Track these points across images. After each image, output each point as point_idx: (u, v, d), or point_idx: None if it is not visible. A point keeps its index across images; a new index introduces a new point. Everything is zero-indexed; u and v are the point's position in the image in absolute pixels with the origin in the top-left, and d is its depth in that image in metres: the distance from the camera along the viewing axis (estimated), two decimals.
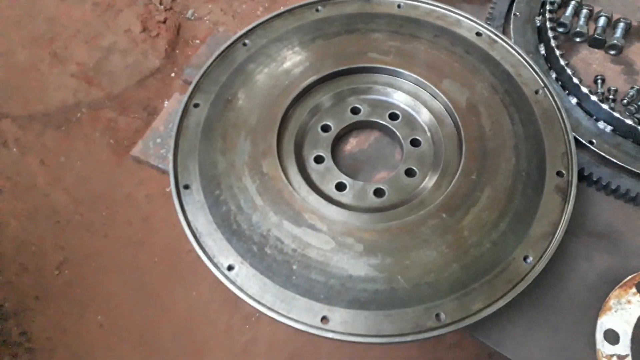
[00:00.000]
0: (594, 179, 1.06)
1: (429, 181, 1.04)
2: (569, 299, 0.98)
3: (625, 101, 1.18)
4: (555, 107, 1.08)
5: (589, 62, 1.26)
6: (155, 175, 2.36)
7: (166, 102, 1.24)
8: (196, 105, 1.11)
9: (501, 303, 0.88)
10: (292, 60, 1.16)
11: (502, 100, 1.09)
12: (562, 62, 1.15)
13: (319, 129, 1.12)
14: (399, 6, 1.23)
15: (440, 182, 1.03)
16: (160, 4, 2.98)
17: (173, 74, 2.77)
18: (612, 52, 1.25)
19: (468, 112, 1.08)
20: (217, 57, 1.16)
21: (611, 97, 1.18)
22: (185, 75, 1.30)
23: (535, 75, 1.12)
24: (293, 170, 1.04)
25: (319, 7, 1.24)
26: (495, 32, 1.18)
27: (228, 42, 1.18)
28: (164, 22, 2.92)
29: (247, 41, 1.19)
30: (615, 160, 1.07)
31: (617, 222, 1.05)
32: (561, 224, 0.95)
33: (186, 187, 1.01)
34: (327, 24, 1.21)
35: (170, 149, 1.06)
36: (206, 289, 2.11)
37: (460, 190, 0.99)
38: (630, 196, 1.05)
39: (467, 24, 1.20)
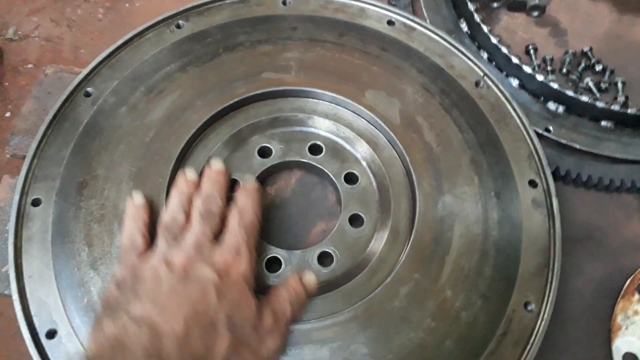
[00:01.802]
0: (561, 173, 0.90)
1: (382, 229, 0.80)
2: (574, 329, 0.81)
3: (564, 70, 1.02)
4: (504, 98, 0.88)
5: (513, 29, 1.09)
6: None
7: None
8: (36, 203, 0.76)
9: None
10: (160, 104, 0.84)
11: (441, 104, 0.87)
12: (493, 38, 0.95)
13: None
14: (284, 3, 0.95)
15: (397, 228, 0.79)
16: None
17: (8, 114, 2.24)
18: (535, 13, 1.08)
19: (405, 128, 0.85)
20: (51, 122, 0.81)
21: (549, 68, 1.02)
22: (13, 148, 0.92)
23: (470, 62, 0.91)
24: None
25: (180, 23, 0.92)
26: (409, 16, 0.94)
27: (64, 96, 0.83)
28: None
29: (90, 89, 0.84)
30: (578, 146, 0.91)
31: (595, 218, 0.90)
32: (553, 249, 0.76)
33: (51, 335, 0.68)
34: (196, 43, 0.90)
35: (12, 283, 0.71)
36: None
37: (425, 235, 0.76)
38: (604, 184, 0.89)
39: (374, 12, 0.95)
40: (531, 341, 0.71)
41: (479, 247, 0.76)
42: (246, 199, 0.74)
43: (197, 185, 0.75)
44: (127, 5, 2.34)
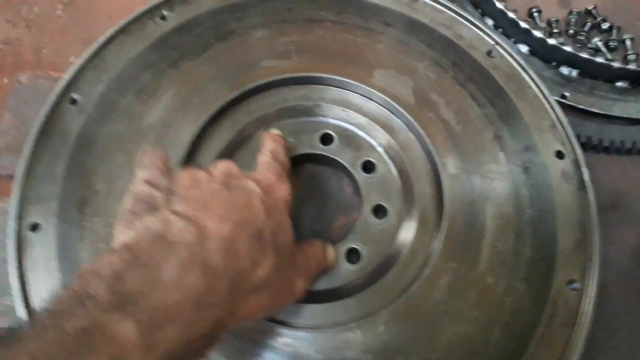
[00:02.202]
0: (582, 140, 0.86)
1: (409, 218, 0.75)
2: (613, 301, 0.79)
3: (571, 31, 0.98)
4: (519, 66, 0.83)
5: None
6: None
7: None
8: (35, 227, 0.69)
9: (572, 359, 0.65)
10: (155, 105, 0.77)
11: (455, 79, 0.82)
12: (500, 5, 0.90)
13: None
14: None
15: (424, 215, 0.75)
16: None
17: None
18: None
19: (421, 107, 0.80)
20: (38, 135, 0.73)
21: (555, 30, 0.97)
22: None
23: (479, 31, 0.85)
24: None
25: (164, 13, 0.84)
26: None
27: (47, 106, 0.75)
28: None
29: (75, 96, 0.77)
30: (596, 110, 0.88)
31: (621, 184, 0.87)
32: (590, 221, 0.73)
33: None
34: (185, 35, 0.82)
35: (16, 298, 0.65)
36: None
37: (456, 220, 0.72)
38: (626, 148, 0.86)
39: None
40: (580, 321, 0.67)
41: (513, 228, 0.72)
42: (275, 143, 0.71)
43: None
44: (109, 29, 2.21)
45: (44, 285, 0.66)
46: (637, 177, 0.87)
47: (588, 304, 0.68)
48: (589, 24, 0.99)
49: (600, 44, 0.96)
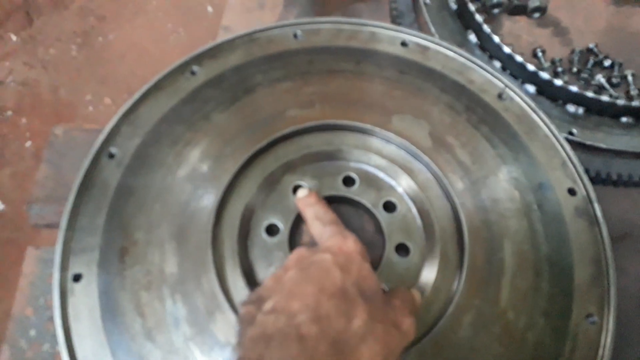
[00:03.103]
0: (591, 174, 0.91)
1: (431, 256, 0.79)
2: (629, 331, 0.82)
3: (574, 69, 1.03)
4: (529, 108, 0.88)
5: (517, 33, 1.09)
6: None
7: (22, 269, 0.83)
8: (77, 278, 0.73)
9: None
10: (189, 157, 0.81)
11: (468, 121, 0.87)
12: (507, 49, 0.95)
13: (265, 236, 0.80)
14: (295, 36, 0.93)
15: (446, 253, 0.79)
16: None
17: None
18: (536, 15, 1.09)
19: (438, 149, 0.84)
20: (80, 188, 0.78)
21: (559, 69, 1.03)
22: (34, 217, 0.88)
23: (489, 75, 0.91)
24: None
25: (194, 68, 0.89)
26: (421, 35, 0.94)
27: (87, 160, 0.80)
28: None
29: (113, 150, 0.82)
30: (603, 145, 0.92)
31: (630, 215, 0.91)
32: (605, 255, 0.77)
33: None
34: (214, 89, 0.87)
35: (61, 348, 0.68)
36: None
37: (477, 258, 0.76)
38: (633, 180, 0.90)
39: (385, 35, 0.94)
40: (600, 354, 0.71)
41: (531, 264, 0.76)
42: (312, 207, 0.75)
43: None
44: (100, 39, 2.28)
45: (88, 335, 0.70)
46: None
47: (608, 337, 0.71)
48: (591, 61, 1.05)
49: (603, 80, 1.01)
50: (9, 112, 2.31)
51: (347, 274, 0.59)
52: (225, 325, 0.70)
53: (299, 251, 0.66)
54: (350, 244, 0.65)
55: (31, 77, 2.40)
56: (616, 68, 1.04)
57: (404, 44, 0.94)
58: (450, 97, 0.89)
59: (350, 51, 0.92)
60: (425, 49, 0.94)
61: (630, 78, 1.02)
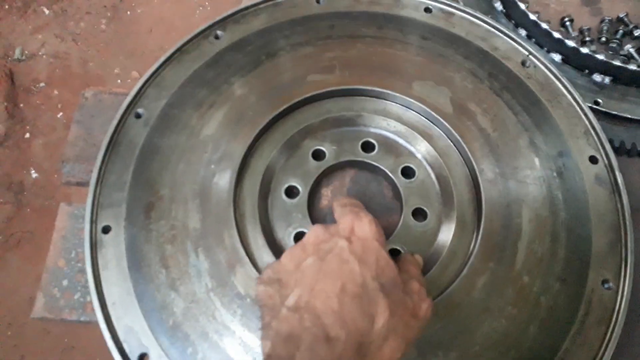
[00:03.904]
0: (616, 145, 0.89)
1: (448, 220, 0.80)
2: None
3: (603, 39, 1.01)
4: (552, 76, 0.87)
5: (545, 2, 1.07)
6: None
7: (55, 224, 0.88)
8: (106, 230, 0.76)
9: (607, 356, 0.69)
10: (212, 118, 0.83)
11: (491, 88, 0.86)
12: (533, 16, 0.94)
13: (284, 197, 0.82)
14: (318, 1, 0.94)
15: (463, 218, 0.79)
16: None
17: (28, 135, 2.23)
18: None
19: (459, 116, 0.84)
20: (107, 147, 0.81)
21: (588, 39, 1.01)
22: (66, 175, 0.92)
23: (513, 43, 0.90)
24: None
25: (218, 33, 0.91)
26: (445, 1, 0.93)
27: (115, 120, 0.82)
28: None
29: (140, 110, 0.84)
30: (629, 115, 0.91)
31: None
32: (624, 223, 0.77)
33: (142, 357, 0.69)
34: (237, 53, 0.89)
35: (97, 310, 0.72)
36: None
37: (494, 223, 0.77)
38: None
39: (409, 0, 0.94)
40: (614, 319, 0.71)
41: (549, 230, 0.76)
42: (339, 200, 0.73)
43: None
44: (128, 13, 2.31)
45: (116, 283, 0.73)
46: None
47: (624, 303, 0.72)
48: (620, 31, 1.02)
49: (632, 50, 0.99)
50: (42, 84, 2.37)
51: (365, 267, 0.59)
52: (246, 278, 0.73)
53: (316, 230, 0.65)
54: (365, 226, 0.64)
55: (62, 50, 2.45)
56: None
57: (427, 9, 0.93)
58: (473, 63, 0.89)
59: (373, 16, 0.92)
60: (449, 15, 0.93)
61: None
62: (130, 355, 0.69)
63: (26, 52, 2.40)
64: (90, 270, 0.74)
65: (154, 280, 0.73)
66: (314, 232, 0.65)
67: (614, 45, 1.00)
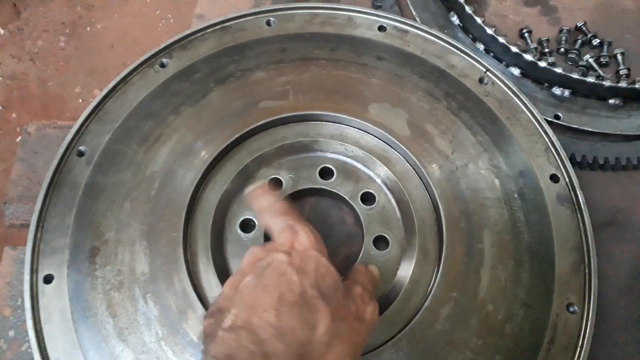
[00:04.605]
0: (577, 159, 0.88)
1: (410, 248, 0.77)
2: (614, 316, 0.80)
3: (562, 49, 1.00)
4: (511, 92, 0.85)
5: (503, 13, 1.05)
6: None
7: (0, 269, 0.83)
8: (49, 280, 0.72)
9: None
10: (159, 152, 0.79)
11: (448, 108, 0.84)
12: (489, 31, 0.92)
13: (239, 232, 0.79)
14: (268, 23, 0.91)
15: (425, 245, 0.77)
16: None
17: None
18: None
19: (417, 139, 0.82)
20: (48, 188, 0.76)
21: (547, 50, 0.99)
22: (9, 217, 0.87)
23: (470, 59, 0.88)
24: None
25: (164, 61, 0.87)
26: (400, 19, 0.91)
27: (56, 160, 0.78)
28: None
29: (82, 147, 0.80)
30: (590, 129, 0.89)
31: (617, 200, 0.88)
32: (586, 242, 0.75)
33: None
34: (185, 81, 0.85)
35: (34, 350, 0.68)
36: None
37: (456, 249, 0.74)
38: (621, 164, 0.88)
39: (363, 19, 0.91)
40: (580, 344, 0.69)
41: (512, 254, 0.74)
42: (258, 199, 0.70)
43: None
44: (88, 29, 2.25)
45: (59, 337, 0.69)
46: (633, 193, 0.89)
47: (588, 327, 0.70)
48: (579, 41, 1.01)
49: (591, 60, 0.98)
50: None
51: (304, 276, 0.57)
52: (198, 324, 0.69)
53: (253, 251, 0.63)
54: (302, 239, 0.62)
55: (19, 71, 2.37)
56: (605, 47, 1.00)
57: (381, 28, 0.91)
58: (429, 83, 0.86)
59: (326, 37, 0.89)
60: (404, 32, 0.91)
61: (619, 57, 0.98)
62: None
63: None
64: (32, 323, 0.69)
65: (100, 331, 0.69)
66: (250, 253, 0.63)
67: (573, 55, 0.98)
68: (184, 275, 0.71)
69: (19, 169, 0.89)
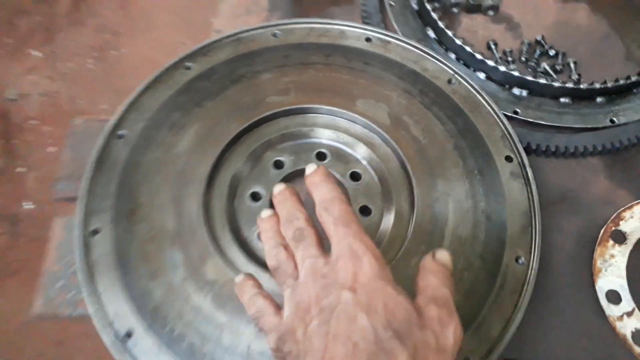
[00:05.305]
0: (533, 147, 1.04)
1: (388, 214, 0.94)
2: (561, 276, 0.95)
3: (523, 59, 1.18)
4: (474, 90, 1.03)
5: (474, 29, 1.24)
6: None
7: (49, 233, 1.01)
8: (95, 232, 0.89)
9: (518, 318, 0.82)
10: (184, 136, 0.98)
11: (422, 103, 1.02)
12: (457, 40, 1.10)
13: (249, 202, 0.96)
14: (274, 35, 1.10)
15: (400, 212, 0.93)
16: None
17: (21, 169, 2.35)
18: (491, 12, 1.24)
19: (395, 127, 0.99)
20: (95, 164, 0.95)
21: (509, 59, 1.17)
22: (59, 192, 1.05)
23: (440, 64, 1.06)
24: (242, 262, 0.88)
25: (188, 64, 1.06)
26: (383, 31, 1.10)
27: (100, 141, 0.96)
28: None
29: (121, 132, 0.98)
30: (543, 122, 1.06)
31: (567, 182, 1.04)
32: (533, 210, 0.91)
33: (128, 335, 0.81)
34: (206, 81, 1.04)
35: (88, 299, 0.84)
36: None
37: (425, 213, 0.91)
38: (570, 152, 1.04)
39: (352, 32, 1.10)
40: (524, 289, 0.84)
41: (471, 218, 0.90)
42: (317, 186, 0.69)
43: (276, 216, 0.73)
44: (113, 52, 2.51)
45: (103, 276, 0.85)
46: (582, 176, 1.05)
47: (532, 275, 0.85)
48: (538, 52, 1.19)
49: (547, 67, 1.15)
50: (33, 121, 2.51)
51: (374, 316, 0.53)
52: (214, 268, 0.85)
53: (313, 273, 0.59)
54: (366, 268, 0.58)
55: (52, 90, 2.60)
56: (560, 57, 1.18)
57: (368, 39, 1.10)
58: (406, 83, 1.04)
59: (322, 47, 1.08)
60: (386, 43, 1.09)
61: (572, 65, 1.16)
62: (117, 333, 0.81)
63: (19, 92, 2.54)
64: (81, 266, 0.86)
65: (136, 273, 0.85)
66: (311, 274, 0.60)
67: (532, 63, 1.16)
68: (204, 231, 0.88)
69: (67, 154, 1.08)
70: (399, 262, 0.86)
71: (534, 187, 0.93)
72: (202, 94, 1.02)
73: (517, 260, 0.87)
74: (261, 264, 0.88)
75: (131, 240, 0.88)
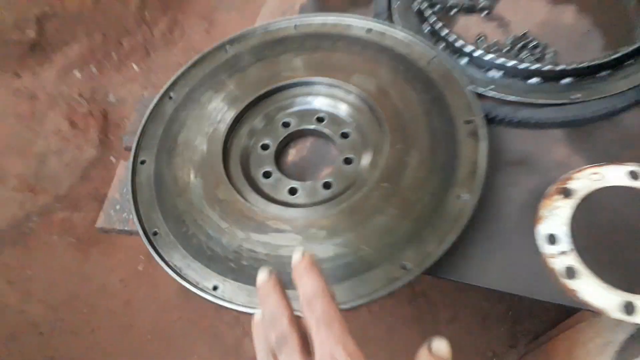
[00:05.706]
0: (500, 118, 1.22)
1: (365, 162, 1.17)
2: (508, 220, 1.11)
3: (505, 50, 1.37)
4: (450, 69, 1.24)
5: (468, 27, 1.45)
6: (123, 258, 2.39)
7: (116, 172, 1.36)
8: (143, 162, 1.21)
9: (451, 238, 1.00)
10: (217, 97, 1.28)
11: (404, 78, 1.25)
12: (444, 31, 1.32)
13: (260, 149, 1.24)
14: (295, 27, 1.39)
15: (375, 160, 1.16)
16: (81, 96, 3.04)
17: (112, 159, 2.82)
18: (485, 12, 1.44)
19: (380, 96, 1.23)
20: (149, 116, 1.28)
21: (493, 49, 1.37)
22: (125, 142, 1.40)
23: (425, 49, 1.29)
24: (246, 190, 1.15)
25: (227, 48, 1.38)
26: (381, 24, 1.35)
27: (155, 100, 1.30)
28: (90, 113, 2.98)
29: (172, 94, 1.31)
30: (511, 98, 1.24)
31: (529, 148, 1.21)
32: (479, 159, 1.09)
33: (155, 233, 1.10)
34: (238, 59, 1.35)
35: (131, 207, 1.15)
36: (206, 351, 2.15)
37: (392, 161, 1.13)
38: (532, 122, 1.21)
39: (357, 25, 1.37)
40: (460, 219, 1.02)
41: (428, 165, 1.11)
42: (302, 278, 0.69)
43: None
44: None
45: (145, 192, 1.16)
46: (542, 142, 1.20)
47: (470, 209, 1.04)
48: (521, 44, 1.37)
49: (526, 55, 1.33)
50: (127, 121, 3.01)
51: None
52: (224, 191, 1.13)
53: None
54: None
55: (144, 95, 3.12)
56: (540, 47, 1.35)
57: (368, 30, 1.35)
58: (395, 63, 1.28)
59: (330, 36, 1.35)
60: (383, 33, 1.34)
61: (551, 54, 1.33)
62: (148, 231, 1.11)
63: (118, 97, 3.06)
64: (130, 185, 1.18)
65: (168, 191, 1.15)
66: None
67: (514, 52, 1.35)
68: (221, 165, 1.17)
69: (136, 116, 1.43)
70: (363, 195, 1.09)
71: (484, 142, 1.11)
72: (234, 69, 1.33)
73: (458, 197, 1.06)
74: (260, 194, 1.15)
75: (168, 168, 1.19)
